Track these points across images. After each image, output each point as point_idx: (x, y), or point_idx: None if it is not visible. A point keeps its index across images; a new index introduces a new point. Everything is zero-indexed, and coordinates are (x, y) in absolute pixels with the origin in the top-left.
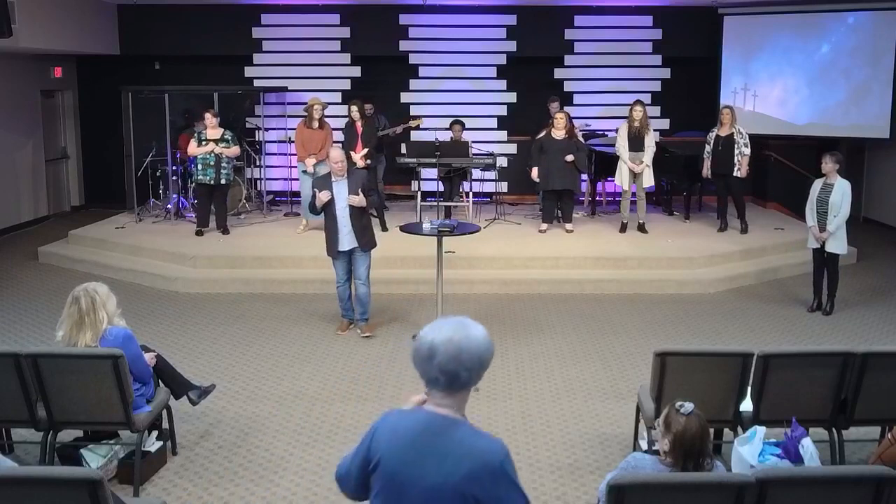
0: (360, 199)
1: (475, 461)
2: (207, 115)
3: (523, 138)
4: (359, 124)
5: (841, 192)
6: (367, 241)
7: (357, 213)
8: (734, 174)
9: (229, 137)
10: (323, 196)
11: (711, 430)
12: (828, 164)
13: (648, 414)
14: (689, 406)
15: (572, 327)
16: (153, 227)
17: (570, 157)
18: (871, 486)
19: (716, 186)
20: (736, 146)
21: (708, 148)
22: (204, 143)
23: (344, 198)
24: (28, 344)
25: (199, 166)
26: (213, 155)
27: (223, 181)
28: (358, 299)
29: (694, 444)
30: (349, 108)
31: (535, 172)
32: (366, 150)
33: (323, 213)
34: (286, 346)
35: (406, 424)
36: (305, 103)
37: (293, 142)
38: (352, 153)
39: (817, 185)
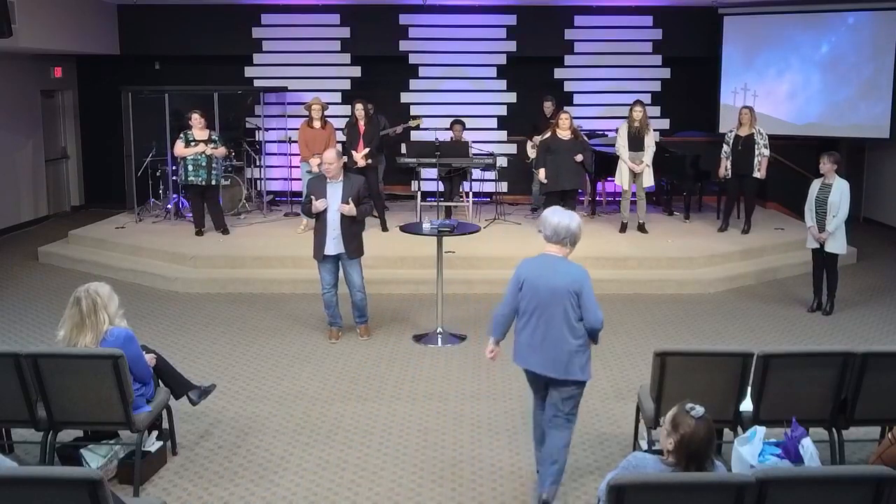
0: (349, 209)
1: (573, 274)
2: (195, 116)
3: (523, 138)
4: (361, 123)
5: (840, 192)
6: (354, 249)
7: (348, 219)
8: (754, 175)
9: (216, 138)
10: (319, 205)
11: None
12: (826, 165)
13: (648, 414)
14: (700, 410)
15: None
16: (153, 227)
17: (580, 157)
18: (871, 486)
19: (729, 187)
20: (756, 147)
21: (726, 148)
22: (192, 143)
23: (336, 202)
24: (28, 344)
25: (190, 167)
26: (203, 156)
27: (214, 182)
28: (355, 306)
29: (700, 449)
30: (354, 107)
31: (542, 173)
32: (367, 150)
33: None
34: (286, 346)
35: (538, 260)
36: (305, 103)
37: (294, 142)
38: (353, 152)
39: (815, 185)
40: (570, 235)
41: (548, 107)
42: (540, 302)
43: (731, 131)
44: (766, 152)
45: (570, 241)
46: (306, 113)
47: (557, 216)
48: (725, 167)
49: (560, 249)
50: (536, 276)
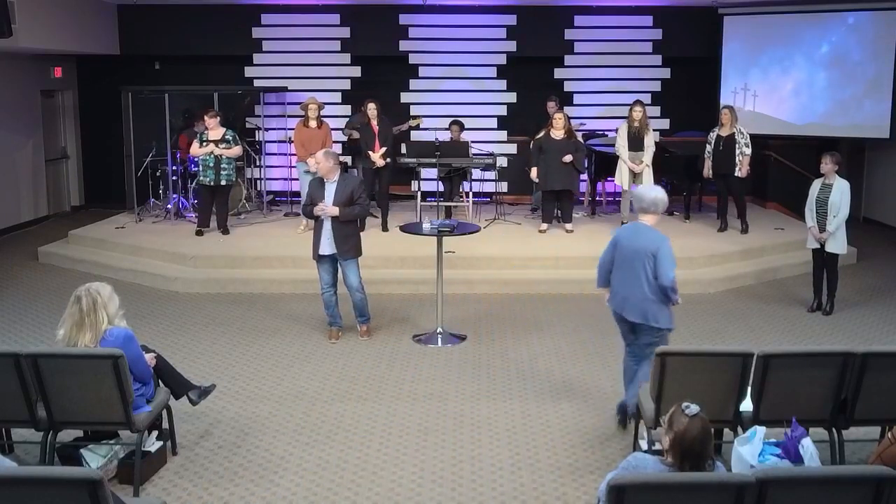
0: (330, 210)
1: (654, 238)
2: (206, 117)
3: (523, 138)
4: (374, 123)
5: (840, 192)
6: (348, 249)
7: (340, 220)
8: (735, 174)
9: (230, 137)
10: (318, 210)
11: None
12: (827, 165)
13: (648, 414)
14: (694, 408)
15: (572, 327)
16: (153, 227)
17: (568, 158)
18: (871, 486)
19: (716, 186)
20: (737, 146)
21: (709, 148)
22: (205, 143)
23: (330, 202)
24: (28, 344)
25: (200, 167)
26: (212, 156)
27: (223, 182)
28: (355, 307)
29: (693, 447)
30: (367, 106)
31: (534, 172)
32: (384, 149)
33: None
34: (286, 346)
35: (631, 226)
36: (301, 103)
37: (293, 142)
38: (370, 153)
39: (816, 185)
40: (664, 205)
41: (551, 106)
42: (625, 259)
43: (712, 131)
44: (748, 151)
45: (663, 209)
46: (304, 112)
47: (653, 191)
48: (708, 167)
49: (652, 218)
50: (626, 238)
